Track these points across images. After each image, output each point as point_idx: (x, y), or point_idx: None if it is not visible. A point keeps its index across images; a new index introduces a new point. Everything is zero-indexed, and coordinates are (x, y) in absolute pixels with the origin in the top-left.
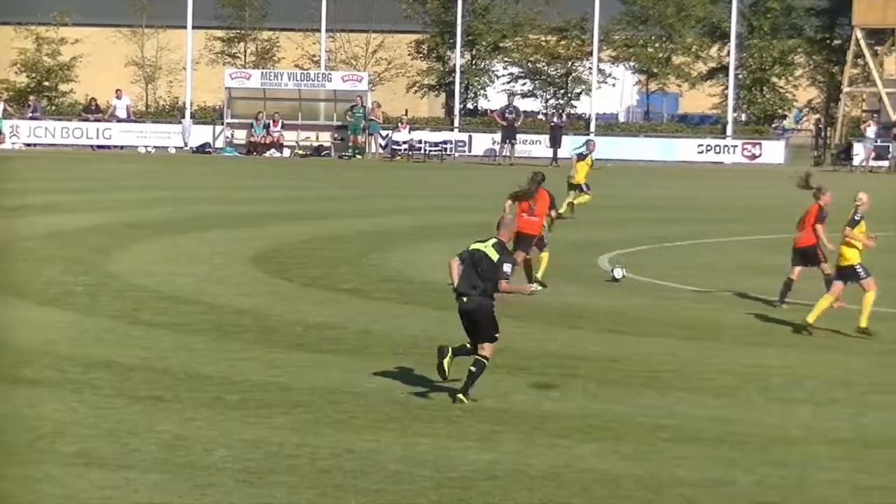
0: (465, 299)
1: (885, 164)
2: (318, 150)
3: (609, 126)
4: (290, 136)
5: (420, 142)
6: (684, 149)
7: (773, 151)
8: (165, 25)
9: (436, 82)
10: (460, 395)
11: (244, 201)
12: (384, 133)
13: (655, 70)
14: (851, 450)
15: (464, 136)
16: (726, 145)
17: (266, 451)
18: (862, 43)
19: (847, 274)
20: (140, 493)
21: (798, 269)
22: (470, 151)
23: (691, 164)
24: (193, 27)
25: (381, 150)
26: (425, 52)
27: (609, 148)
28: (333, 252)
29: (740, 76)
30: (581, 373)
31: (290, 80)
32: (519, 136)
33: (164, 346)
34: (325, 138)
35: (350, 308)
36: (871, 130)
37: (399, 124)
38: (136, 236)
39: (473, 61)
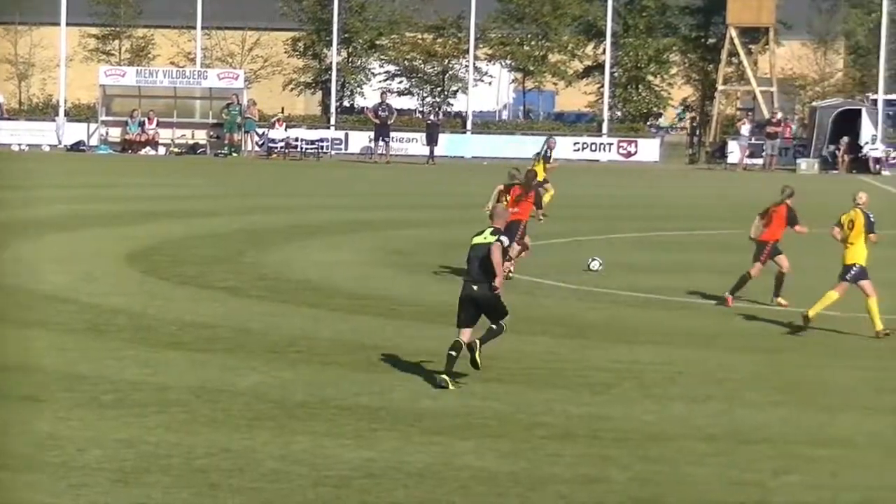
0: (475, 287)
1: (759, 161)
2: (193, 148)
3: (486, 124)
4: (165, 134)
5: (296, 140)
6: (560, 147)
7: (648, 149)
8: (39, 22)
9: (312, 80)
10: (475, 346)
11: (119, 199)
12: (260, 131)
13: (532, 68)
14: (725, 445)
15: (340, 134)
16: (602, 143)
17: (141, 450)
18: (736, 41)
19: (856, 273)
20: (13, 493)
21: (759, 265)
22: (346, 149)
23: (567, 162)
24: (67, 24)
25: (257, 148)
26: (302, 49)
27: (486, 146)
28: (210, 250)
29: (616, 74)
30: (456, 370)
31: (165, 77)
32: (395, 134)
33: (39, 345)
34: (201, 136)
35: (226, 307)
36: (745, 129)
37: (275, 122)
38: (9, 235)
39: (350, 59)
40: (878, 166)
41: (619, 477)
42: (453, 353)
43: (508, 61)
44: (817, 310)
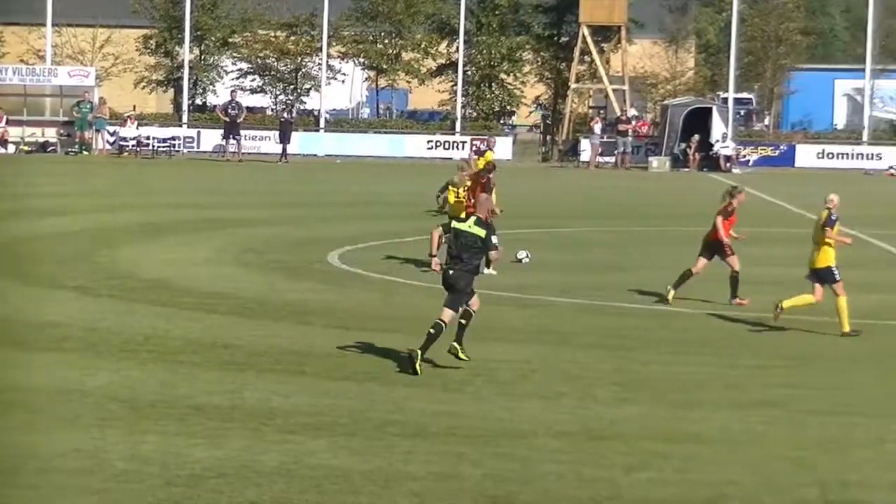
0: (451, 272)
1: (611, 160)
2: (44, 147)
3: (339, 122)
4: (15, 132)
5: (148, 138)
6: (414, 145)
7: (501, 147)
8: None
9: (164, 78)
10: (455, 345)
11: None
12: (112, 129)
13: (385, 66)
14: (576, 442)
15: (192, 133)
16: (455, 141)
17: None
18: (588, 40)
19: (824, 275)
20: None
21: (703, 261)
22: (199, 147)
23: (421, 160)
24: None
25: (108, 146)
26: (153, 47)
27: (339, 144)
28: (60, 249)
29: (469, 73)
30: (309, 369)
31: (14, 74)
32: (248, 132)
33: None
34: (51, 134)
35: (77, 306)
36: (597, 127)
37: (127, 120)
38: None
39: (202, 57)
40: (728, 164)
41: (473, 474)
42: (432, 331)
43: (361, 59)
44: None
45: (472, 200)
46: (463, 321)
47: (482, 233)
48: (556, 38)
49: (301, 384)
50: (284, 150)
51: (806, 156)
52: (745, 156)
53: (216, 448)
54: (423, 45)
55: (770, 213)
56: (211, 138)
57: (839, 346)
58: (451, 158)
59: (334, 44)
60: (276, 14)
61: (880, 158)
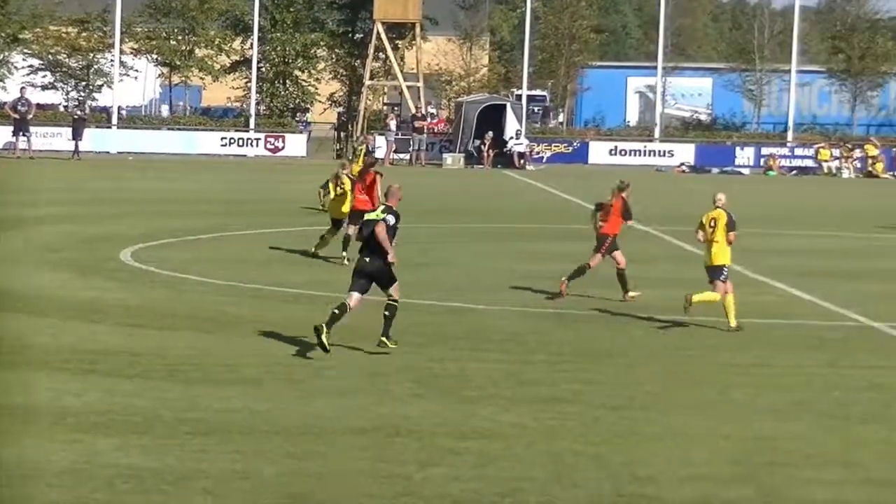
0: (367, 260)
1: (406, 157)
2: None
3: (132, 119)
4: None
5: None
6: (207, 142)
7: (295, 144)
8: None
9: None
10: (384, 339)
11: None
12: None
13: (178, 62)
14: (373, 439)
15: None
16: (249, 138)
17: None
18: (383, 37)
19: (715, 272)
20: None
21: (598, 256)
22: None
23: (215, 157)
24: None
25: None
26: None
27: (132, 141)
28: None
29: (263, 69)
30: (100, 367)
31: None
32: (39, 129)
33: None
34: None
35: None
36: (392, 124)
37: None
38: None
39: None
40: (522, 161)
41: (269, 472)
42: (336, 311)
43: (155, 56)
44: (698, 299)
45: (366, 196)
46: (387, 313)
47: (392, 219)
48: (350, 35)
49: (92, 382)
50: (77, 146)
51: (599, 153)
52: (538, 152)
53: (5, 448)
54: (216, 42)
55: (561, 210)
56: (1, 135)
57: (632, 341)
58: (245, 156)
59: (127, 40)
60: (68, 10)
61: (672, 155)
